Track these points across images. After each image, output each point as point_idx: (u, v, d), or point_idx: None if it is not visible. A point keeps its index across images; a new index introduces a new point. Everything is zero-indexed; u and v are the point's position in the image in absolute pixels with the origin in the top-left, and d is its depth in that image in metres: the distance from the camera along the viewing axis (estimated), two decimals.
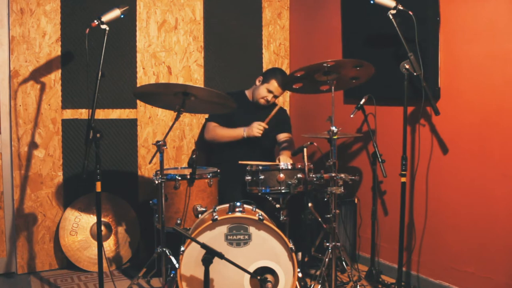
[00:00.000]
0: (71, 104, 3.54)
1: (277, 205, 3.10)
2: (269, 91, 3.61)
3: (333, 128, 2.83)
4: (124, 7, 2.92)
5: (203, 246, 2.35)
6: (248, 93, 3.80)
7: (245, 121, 3.57)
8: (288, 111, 4.30)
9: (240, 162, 3.24)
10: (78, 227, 3.50)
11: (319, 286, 2.91)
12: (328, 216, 2.87)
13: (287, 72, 4.37)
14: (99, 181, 2.71)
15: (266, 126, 3.47)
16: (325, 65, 2.73)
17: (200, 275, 2.46)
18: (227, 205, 2.80)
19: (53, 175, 3.51)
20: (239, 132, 3.52)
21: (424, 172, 3.13)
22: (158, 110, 3.85)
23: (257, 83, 3.70)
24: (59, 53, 3.47)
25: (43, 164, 3.47)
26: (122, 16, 2.91)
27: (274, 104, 3.83)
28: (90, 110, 2.75)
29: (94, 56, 3.18)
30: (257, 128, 3.46)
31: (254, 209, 2.81)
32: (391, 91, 3.24)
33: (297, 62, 4.33)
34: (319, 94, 3.19)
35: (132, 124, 3.77)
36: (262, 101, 3.65)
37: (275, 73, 3.65)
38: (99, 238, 2.79)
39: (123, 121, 3.73)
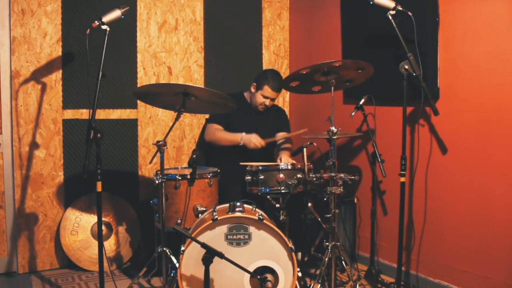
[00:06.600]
0: (72, 104, 3.56)
1: (277, 205, 3.11)
2: (265, 97, 3.59)
3: (333, 128, 2.85)
4: (124, 8, 2.93)
5: (203, 245, 2.36)
6: (246, 95, 3.78)
7: (245, 123, 3.58)
8: (287, 111, 4.31)
9: (241, 164, 3.24)
10: (79, 226, 3.51)
11: (319, 285, 2.92)
12: (328, 216, 2.89)
13: (287, 72, 4.38)
14: (99, 181, 2.72)
15: (264, 145, 3.46)
16: (334, 64, 2.78)
17: (200, 274, 2.47)
18: (227, 205, 2.81)
19: (54, 175, 3.52)
20: (237, 138, 3.50)
21: (424, 172, 3.14)
22: (159, 110, 3.86)
23: (252, 89, 3.66)
24: (60, 53, 3.48)
25: (44, 164, 3.48)
26: (122, 17, 2.92)
27: (276, 108, 3.84)
28: (91, 110, 2.76)
29: (94, 56, 3.19)
30: (254, 144, 3.43)
31: (254, 208, 2.82)
32: (391, 91, 3.25)
33: (297, 62, 4.34)
34: (319, 94, 3.20)
35: (132, 124, 3.78)
36: (261, 107, 3.64)
37: (266, 78, 3.58)
38: (100, 238, 2.80)
39: (123, 121, 3.75)
